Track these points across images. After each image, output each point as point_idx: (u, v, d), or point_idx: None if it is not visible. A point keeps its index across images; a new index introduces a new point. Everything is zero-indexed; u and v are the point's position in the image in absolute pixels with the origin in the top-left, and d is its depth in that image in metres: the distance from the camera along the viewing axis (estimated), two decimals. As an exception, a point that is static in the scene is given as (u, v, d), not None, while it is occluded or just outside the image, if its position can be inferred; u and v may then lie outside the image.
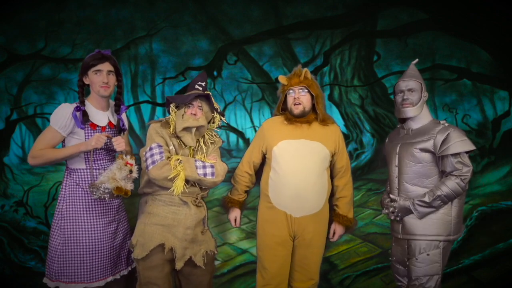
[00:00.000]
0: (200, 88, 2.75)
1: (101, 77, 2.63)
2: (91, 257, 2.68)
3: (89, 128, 2.68)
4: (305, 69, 2.78)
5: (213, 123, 2.81)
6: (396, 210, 2.71)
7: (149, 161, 2.60)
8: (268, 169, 2.79)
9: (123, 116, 2.87)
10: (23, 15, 3.59)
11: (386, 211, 2.81)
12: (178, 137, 2.72)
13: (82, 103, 2.65)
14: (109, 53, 2.72)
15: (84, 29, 3.62)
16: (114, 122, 2.78)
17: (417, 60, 2.87)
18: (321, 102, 2.80)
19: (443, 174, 2.65)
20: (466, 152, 2.63)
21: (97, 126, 2.71)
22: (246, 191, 2.91)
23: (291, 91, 2.75)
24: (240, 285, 3.64)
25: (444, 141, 2.59)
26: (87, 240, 2.68)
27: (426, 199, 2.61)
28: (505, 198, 3.67)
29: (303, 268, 2.79)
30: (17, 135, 3.62)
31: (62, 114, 2.64)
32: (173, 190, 2.62)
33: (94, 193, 2.56)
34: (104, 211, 2.73)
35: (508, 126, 3.71)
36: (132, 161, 2.61)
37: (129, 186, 2.61)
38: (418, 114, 2.72)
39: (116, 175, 2.55)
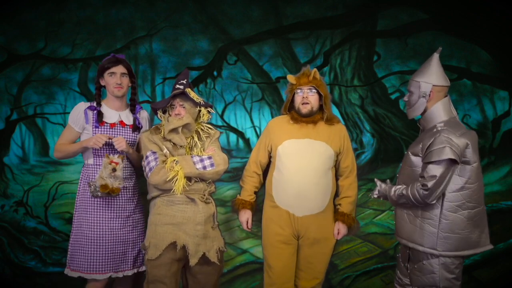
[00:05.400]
0: (181, 87, 2.77)
1: (115, 79, 2.81)
2: (91, 248, 2.77)
3: (97, 125, 2.79)
4: (315, 69, 2.79)
5: (203, 116, 2.83)
6: (378, 193, 2.64)
7: (147, 169, 2.69)
8: (273, 168, 2.82)
9: (144, 114, 3.01)
10: (23, 15, 3.59)
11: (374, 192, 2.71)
12: (169, 140, 2.77)
13: (99, 103, 2.85)
14: (123, 57, 2.91)
15: (84, 29, 3.63)
16: (126, 122, 2.88)
17: (440, 48, 2.59)
18: (328, 102, 2.81)
19: None
20: (457, 162, 2.33)
21: (106, 123, 2.81)
22: (255, 192, 2.90)
23: (299, 90, 2.75)
24: (240, 285, 3.64)
25: (428, 147, 2.38)
26: (89, 232, 2.80)
27: (396, 190, 2.50)
28: (505, 198, 3.67)
29: (308, 267, 2.81)
30: (17, 135, 3.62)
31: (75, 111, 2.85)
32: (174, 190, 2.66)
33: (90, 190, 2.67)
34: (108, 206, 2.81)
35: (508, 126, 3.71)
36: (118, 160, 2.69)
37: (117, 184, 2.68)
38: (416, 115, 2.57)
39: (102, 173, 2.65)
